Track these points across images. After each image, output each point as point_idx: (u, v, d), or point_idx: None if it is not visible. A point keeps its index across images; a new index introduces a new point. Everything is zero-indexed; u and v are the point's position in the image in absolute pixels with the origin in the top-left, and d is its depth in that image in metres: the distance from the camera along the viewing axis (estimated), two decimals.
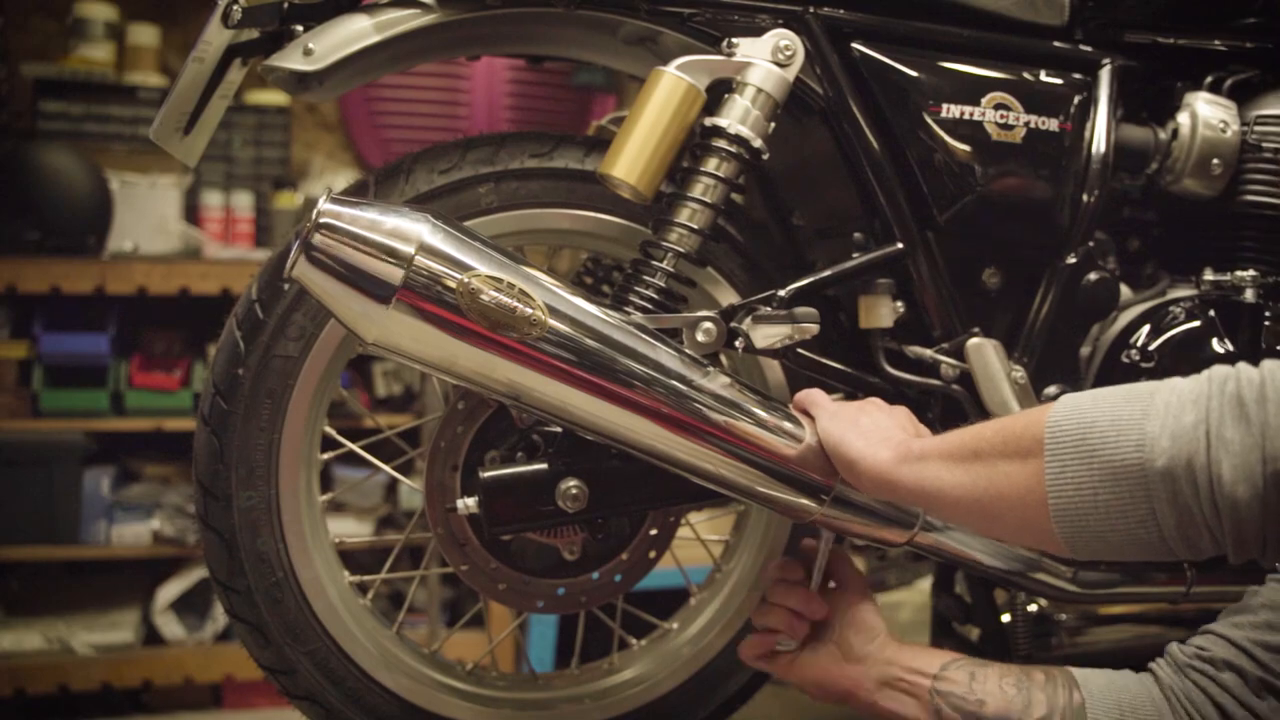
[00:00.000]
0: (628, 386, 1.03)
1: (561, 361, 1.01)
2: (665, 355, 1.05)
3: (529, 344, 1.00)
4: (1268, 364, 0.80)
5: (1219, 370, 0.81)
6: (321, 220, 0.96)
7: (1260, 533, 0.77)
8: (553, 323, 1.00)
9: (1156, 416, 0.80)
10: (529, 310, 1.00)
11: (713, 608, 1.33)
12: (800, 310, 1.15)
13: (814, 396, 1.10)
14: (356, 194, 1.15)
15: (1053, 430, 0.84)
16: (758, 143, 1.12)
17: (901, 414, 1.06)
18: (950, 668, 1.01)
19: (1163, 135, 1.31)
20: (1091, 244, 1.27)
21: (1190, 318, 1.29)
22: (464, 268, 0.98)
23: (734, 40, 1.15)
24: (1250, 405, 0.77)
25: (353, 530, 2.96)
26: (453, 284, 0.98)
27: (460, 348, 0.99)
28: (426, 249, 0.97)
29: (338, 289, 0.97)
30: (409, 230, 0.98)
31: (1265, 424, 0.76)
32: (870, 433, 1.01)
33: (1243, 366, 0.81)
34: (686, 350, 1.08)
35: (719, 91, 1.14)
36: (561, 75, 3.44)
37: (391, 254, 0.96)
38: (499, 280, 0.99)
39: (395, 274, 0.96)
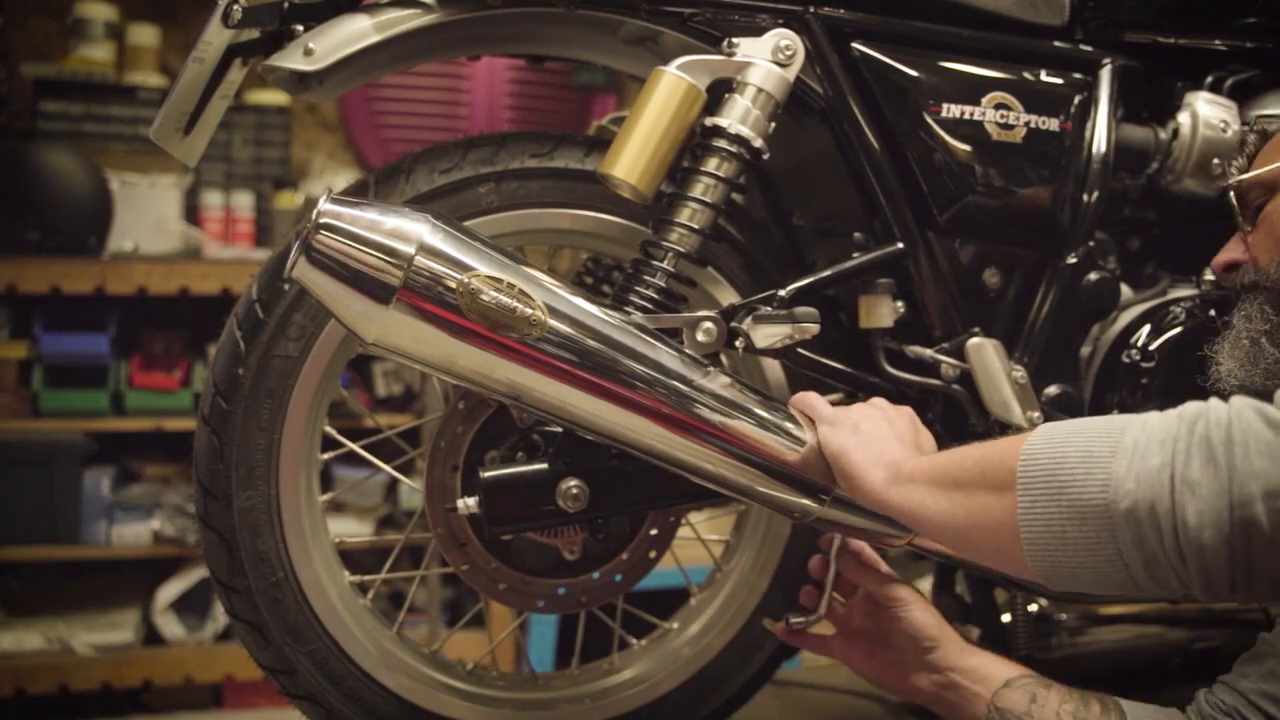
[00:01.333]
0: (628, 386, 1.03)
1: (561, 361, 1.01)
2: (665, 355, 1.05)
3: (529, 344, 1.00)
4: (1236, 402, 0.78)
5: (1190, 409, 0.80)
6: (321, 220, 0.96)
7: (1229, 577, 0.75)
8: (553, 323, 1.00)
9: (1124, 456, 0.79)
10: (529, 310, 1.00)
11: (713, 608, 1.33)
12: (800, 310, 1.15)
13: (810, 401, 1.10)
14: (357, 194, 1.15)
15: (1025, 464, 0.84)
16: (758, 142, 1.12)
17: (903, 419, 1.06)
18: (1014, 685, 1.02)
19: (1163, 135, 1.31)
20: (1092, 244, 1.27)
21: (1190, 317, 1.29)
22: (464, 268, 0.98)
23: (734, 40, 1.15)
24: (1218, 448, 0.75)
25: (353, 530, 2.96)
26: (453, 284, 0.98)
27: (460, 348, 0.99)
28: (426, 249, 0.97)
29: (338, 289, 0.97)
30: (409, 230, 0.98)
31: (1233, 468, 0.74)
32: (869, 444, 1.01)
33: (1214, 404, 0.79)
34: (687, 350, 1.08)
35: (719, 91, 1.14)
36: (562, 75, 3.45)
37: (391, 254, 0.96)
38: (499, 280, 0.99)
39: (395, 274, 0.96)
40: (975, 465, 0.90)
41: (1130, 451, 0.78)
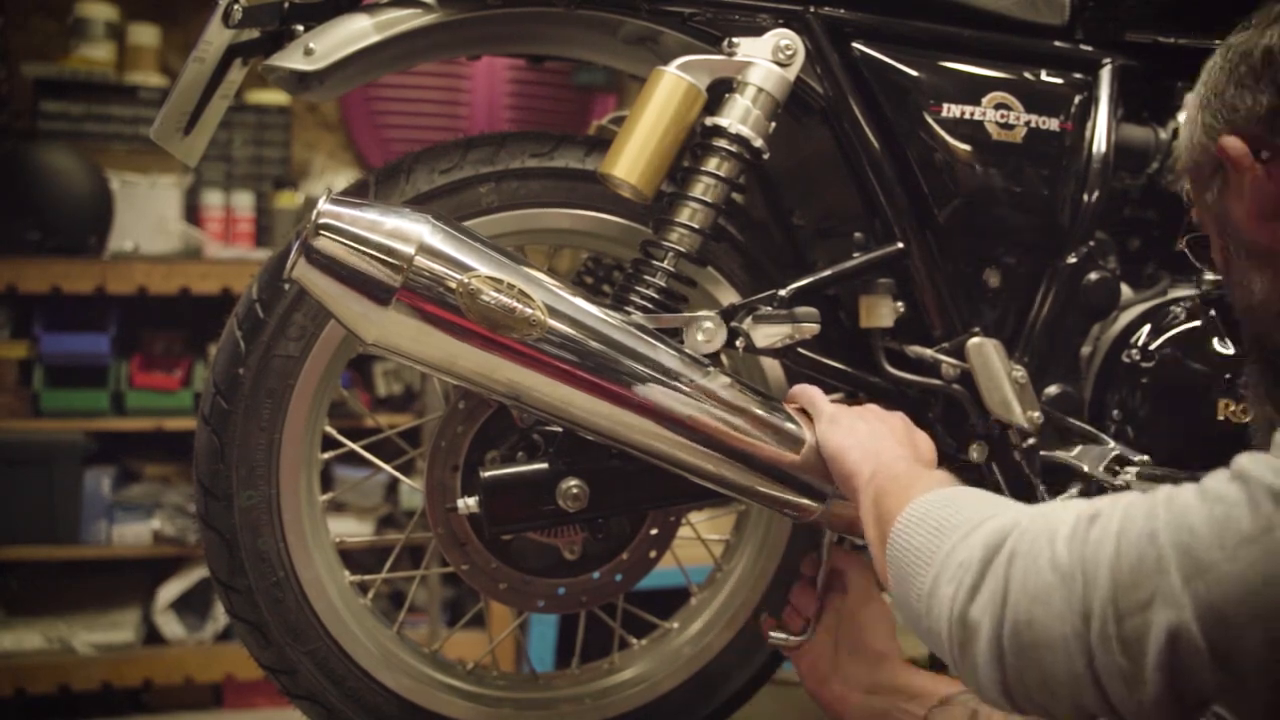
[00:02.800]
0: (628, 386, 1.03)
1: (562, 362, 1.01)
2: (666, 355, 1.05)
3: (529, 344, 1.00)
4: (1039, 527, 0.73)
5: (1008, 521, 0.76)
6: (321, 221, 0.96)
7: (1012, 703, 0.74)
8: (553, 323, 1.00)
9: (934, 568, 0.78)
10: (529, 311, 1.00)
11: (713, 607, 1.33)
12: (801, 310, 1.15)
13: (811, 396, 1.10)
14: (357, 194, 1.15)
15: (892, 541, 0.84)
16: (758, 142, 1.12)
17: (898, 420, 1.06)
18: (953, 701, 1.00)
19: (1163, 135, 1.31)
20: (1092, 244, 1.27)
21: (1191, 317, 1.29)
22: (464, 268, 0.98)
23: (734, 40, 1.15)
24: (996, 588, 0.72)
25: (353, 530, 2.96)
26: (452, 285, 0.98)
27: (460, 348, 0.99)
28: (426, 250, 0.97)
29: (337, 290, 0.97)
30: (409, 231, 0.98)
31: (1003, 615, 0.72)
32: (866, 443, 1.01)
33: (1027, 524, 0.75)
34: (687, 350, 1.08)
35: (719, 91, 1.14)
36: (562, 75, 3.45)
37: (391, 255, 0.96)
38: (499, 281, 0.99)
39: (395, 275, 0.96)
40: (884, 507, 0.89)
41: (940, 566, 0.77)
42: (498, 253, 1.02)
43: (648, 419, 1.04)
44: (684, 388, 1.04)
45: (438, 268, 0.97)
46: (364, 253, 0.96)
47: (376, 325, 0.97)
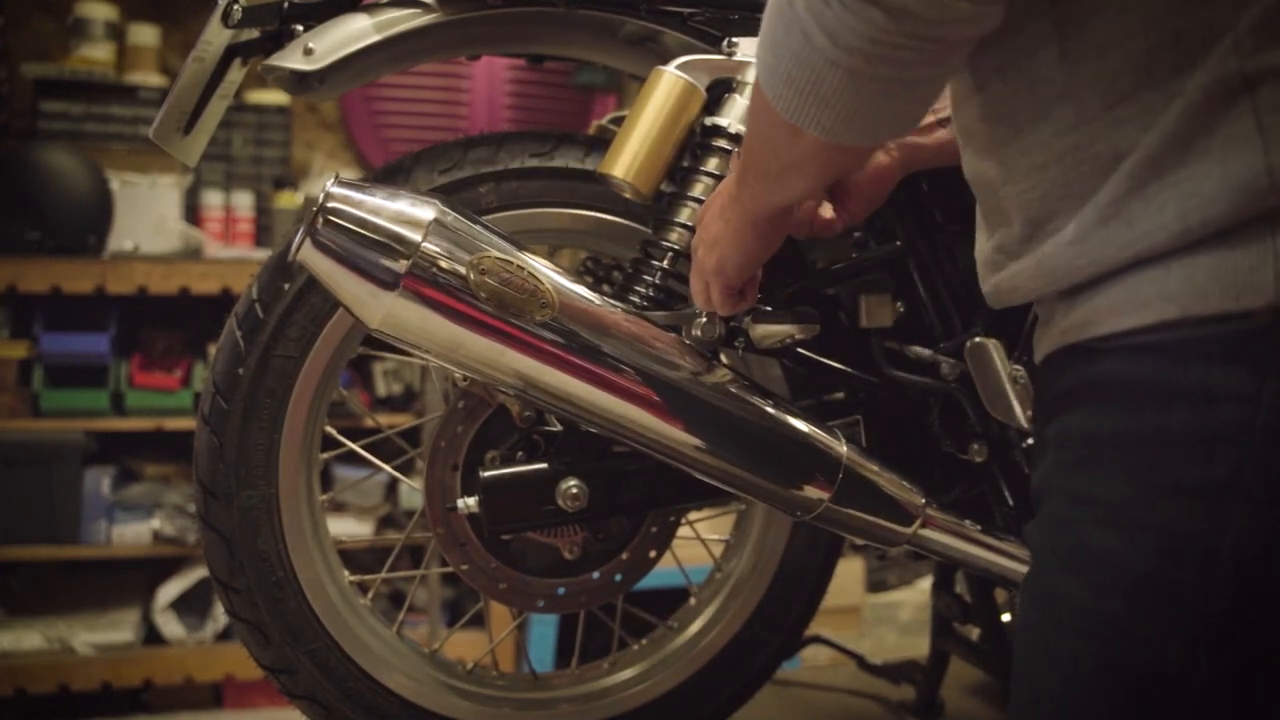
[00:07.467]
0: (633, 375, 1.03)
1: (567, 348, 1.01)
2: (672, 346, 1.05)
3: (535, 330, 1.00)
4: None
5: None
6: (328, 204, 0.96)
7: None
8: (560, 310, 1.00)
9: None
10: (537, 297, 0.99)
11: (712, 608, 1.33)
12: (800, 309, 1.15)
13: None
14: None
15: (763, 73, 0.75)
16: None
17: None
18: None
19: None
20: None
21: None
22: (472, 250, 0.98)
23: (734, 40, 1.15)
24: None
25: (353, 530, 2.96)
26: (461, 267, 0.97)
27: (466, 334, 0.99)
28: (435, 233, 0.97)
29: (343, 273, 0.96)
30: (417, 214, 0.97)
31: None
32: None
33: None
34: (692, 346, 1.08)
35: (719, 91, 1.14)
36: (562, 75, 3.45)
37: (398, 238, 0.96)
38: (508, 262, 0.99)
39: (402, 258, 0.96)
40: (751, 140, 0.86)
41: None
42: (504, 239, 1.02)
43: (650, 411, 1.04)
44: (690, 379, 1.04)
45: (446, 249, 0.97)
46: (371, 235, 0.96)
47: (383, 308, 0.97)
